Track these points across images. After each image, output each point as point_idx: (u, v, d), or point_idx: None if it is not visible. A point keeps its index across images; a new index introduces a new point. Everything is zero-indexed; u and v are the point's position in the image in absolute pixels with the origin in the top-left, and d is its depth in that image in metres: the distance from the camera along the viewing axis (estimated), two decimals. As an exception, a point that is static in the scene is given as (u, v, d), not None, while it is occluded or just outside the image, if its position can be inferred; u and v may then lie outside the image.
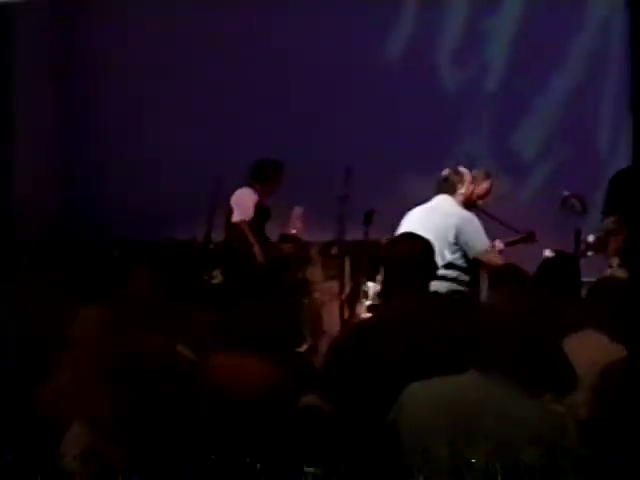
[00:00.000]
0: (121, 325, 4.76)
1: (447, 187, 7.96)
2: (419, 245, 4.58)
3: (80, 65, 11.56)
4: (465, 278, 7.63)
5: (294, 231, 9.63)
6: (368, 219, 8.95)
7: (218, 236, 9.90)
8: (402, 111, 10.86)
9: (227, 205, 9.47)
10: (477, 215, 8.04)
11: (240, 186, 9.52)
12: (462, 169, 8.09)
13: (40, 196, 10.88)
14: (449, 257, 7.57)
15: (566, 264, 6.55)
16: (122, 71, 11.34)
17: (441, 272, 7.11)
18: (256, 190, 9.43)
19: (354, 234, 9.21)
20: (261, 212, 9.43)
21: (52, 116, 11.57)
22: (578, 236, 8.39)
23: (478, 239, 7.65)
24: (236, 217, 9.33)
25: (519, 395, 3.41)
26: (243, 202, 9.37)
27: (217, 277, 9.36)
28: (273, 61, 10.99)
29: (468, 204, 8.03)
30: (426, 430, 3.33)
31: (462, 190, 7.95)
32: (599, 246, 8.38)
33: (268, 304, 4.52)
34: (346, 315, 8.68)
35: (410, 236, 5.01)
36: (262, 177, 9.42)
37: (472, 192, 8.06)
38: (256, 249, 9.22)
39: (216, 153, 10.68)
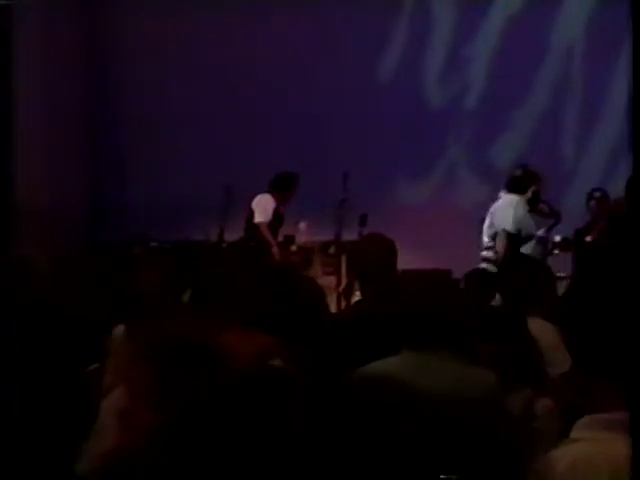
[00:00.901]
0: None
1: (517, 186, 8.37)
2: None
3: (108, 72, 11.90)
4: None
5: (300, 243, 10.20)
6: (363, 221, 9.46)
7: (229, 237, 10.30)
8: (394, 124, 11.25)
9: (249, 208, 10.02)
10: None
11: (248, 192, 10.04)
12: (532, 168, 8.53)
13: (66, 201, 11.27)
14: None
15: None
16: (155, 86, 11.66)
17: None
18: (274, 197, 9.99)
19: (351, 234, 9.47)
20: (277, 218, 10.00)
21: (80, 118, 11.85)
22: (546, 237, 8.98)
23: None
24: (257, 219, 9.91)
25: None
26: (263, 206, 9.94)
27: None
28: (277, 74, 11.35)
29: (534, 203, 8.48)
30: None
31: (532, 189, 8.39)
32: (564, 246, 9.22)
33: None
34: (342, 306, 8.97)
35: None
36: (280, 187, 9.98)
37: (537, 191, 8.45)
38: (274, 249, 9.81)
39: (226, 162, 11.05)
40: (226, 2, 11.33)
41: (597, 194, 9.30)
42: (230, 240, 10.36)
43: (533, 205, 8.46)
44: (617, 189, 9.36)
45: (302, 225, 10.10)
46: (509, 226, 8.12)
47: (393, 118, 11.30)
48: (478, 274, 6.69)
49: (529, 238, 8.30)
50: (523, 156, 10.79)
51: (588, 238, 8.80)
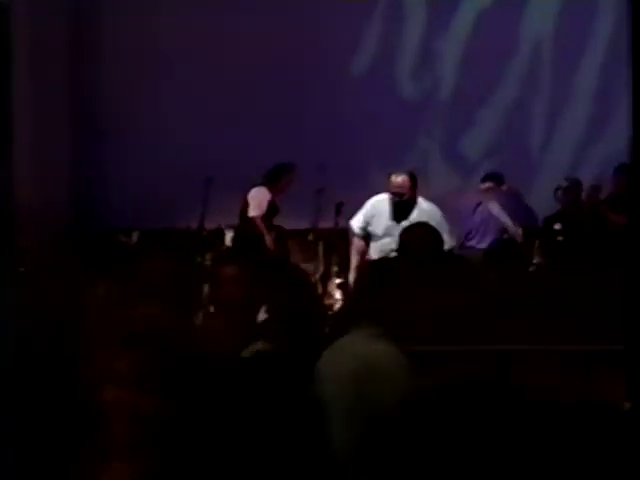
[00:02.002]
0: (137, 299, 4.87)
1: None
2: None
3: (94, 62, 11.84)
4: None
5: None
6: (338, 210, 9.65)
7: (209, 225, 10.44)
8: (368, 116, 11.35)
9: (244, 200, 10.17)
10: None
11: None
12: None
13: (53, 193, 11.28)
14: None
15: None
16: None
17: None
18: (269, 189, 10.16)
19: (327, 223, 9.85)
20: (272, 209, 10.17)
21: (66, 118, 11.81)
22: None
23: None
24: (251, 212, 10.06)
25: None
26: (258, 200, 10.10)
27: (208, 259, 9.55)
28: (256, 67, 11.38)
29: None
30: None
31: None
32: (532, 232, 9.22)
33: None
34: (319, 290, 9.11)
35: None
36: (273, 179, 10.17)
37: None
38: (267, 238, 9.95)
39: (207, 153, 11.11)
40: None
41: (564, 184, 9.49)
42: (210, 228, 10.49)
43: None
44: (583, 179, 9.81)
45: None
46: None
47: (367, 111, 11.41)
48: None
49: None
50: (492, 147, 11.22)
51: (557, 226, 8.97)
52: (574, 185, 9.48)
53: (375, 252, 8.33)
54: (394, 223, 8.26)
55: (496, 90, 11.42)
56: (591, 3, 11.18)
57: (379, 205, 8.52)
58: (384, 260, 6.10)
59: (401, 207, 8.29)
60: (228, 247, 10.33)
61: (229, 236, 10.55)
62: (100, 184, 11.78)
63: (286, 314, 4.28)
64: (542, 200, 9.84)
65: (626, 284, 1.87)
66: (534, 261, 8.17)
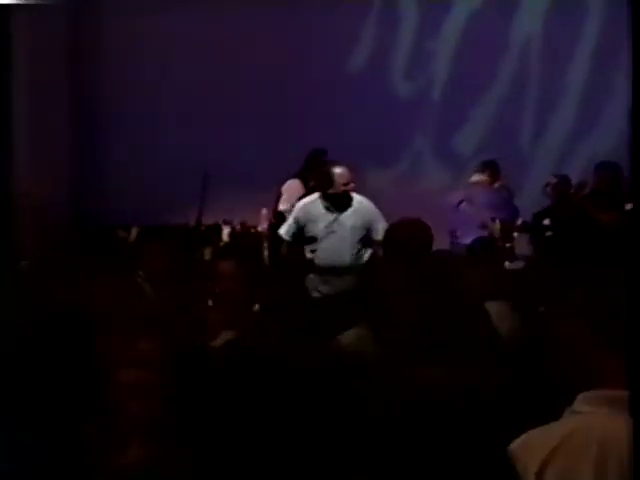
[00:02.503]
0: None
1: None
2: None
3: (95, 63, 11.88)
4: None
5: (260, 229, 10.07)
6: None
7: (207, 221, 10.50)
8: (362, 115, 11.41)
9: (278, 191, 9.87)
10: None
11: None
12: None
13: (54, 189, 11.31)
14: None
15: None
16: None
17: None
18: (302, 181, 9.76)
19: None
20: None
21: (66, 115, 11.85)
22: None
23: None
24: (281, 205, 9.76)
25: None
26: (289, 193, 9.76)
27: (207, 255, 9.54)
28: (253, 66, 11.45)
29: None
30: None
31: None
32: (522, 228, 9.41)
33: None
34: None
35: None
36: (306, 169, 9.78)
37: None
38: None
39: (204, 149, 11.19)
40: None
41: (553, 180, 9.58)
42: (207, 224, 10.55)
43: None
44: (572, 176, 9.96)
45: (264, 211, 10.14)
46: None
47: (362, 109, 11.47)
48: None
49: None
50: (484, 145, 11.28)
51: (546, 221, 9.05)
52: (563, 181, 9.61)
53: (322, 252, 7.88)
54: (335, 217, 7.89)
55: (487, 89, 11.54)
56: (580, 4, 11.29)
57: (311, 208, 8.00)
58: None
59: (340, 199, 7.87)
60: (226, 243, 10.33)
61: (226, 232, 10.55)
62: (99, 182, 11.86)
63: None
64: (532, 196, 9.99)
65: (626, 284, 1.83)
66: (519, 256, 8.27)
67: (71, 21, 11.84)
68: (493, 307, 4.51)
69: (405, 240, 5.04)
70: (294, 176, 9.94)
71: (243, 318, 4.56)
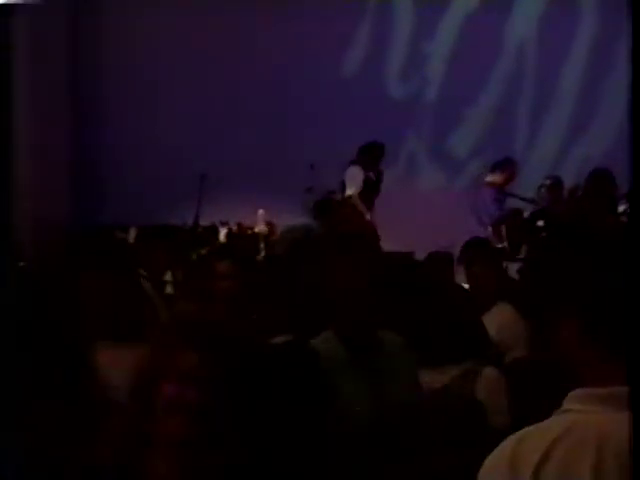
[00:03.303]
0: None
1: None
2: None
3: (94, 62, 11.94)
4: None
5: (257, 230, 10.16)
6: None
7: (204, 221, 10.48)
8: (358, 116, 11.40)
9: (342, 181, 9.76)
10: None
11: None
12: None
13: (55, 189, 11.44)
14: None
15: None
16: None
17: None
18: (363, 166, 9.80)
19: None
20: (370, 185, 9.85)
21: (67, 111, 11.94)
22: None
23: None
24: (347, 191, 9.72)
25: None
26: (352, 178, 9.76)
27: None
28: (250, 67, 11.57)
29: None
30: None
31: None
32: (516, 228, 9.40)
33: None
34: None
35: None
36: (366, 154, 9.76)
37: None
38: (367, 217, 9.53)
39: (202, 150, 11.24)
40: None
41: (547, 182, 9.59)
42: (204, 224, 10.53)
43: None
44: (565, 178, 10.01)
45: (260, 212, 10.18)
46: None
47: (357, 110, 11.49)
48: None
49: None
50: (479, 147, 11.33)
51: (540, 223, 9.08)
52: (556, 183, 9.63)
53: None
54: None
55: (482, 91, 11.58)
56: (575, 7, 11.33)
57: None
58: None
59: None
60: (222, 243, 10.34)
61: (223, 232, 10.55)
62: (99, 183, 11.92)
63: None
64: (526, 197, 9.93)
65: (626, 284, 1.78)
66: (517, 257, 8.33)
67: (71, 21, 11.95)
68: (496, 309, 4.77)
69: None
70: (351, 163, 9.88)
71: (242, 319, 4.45)
